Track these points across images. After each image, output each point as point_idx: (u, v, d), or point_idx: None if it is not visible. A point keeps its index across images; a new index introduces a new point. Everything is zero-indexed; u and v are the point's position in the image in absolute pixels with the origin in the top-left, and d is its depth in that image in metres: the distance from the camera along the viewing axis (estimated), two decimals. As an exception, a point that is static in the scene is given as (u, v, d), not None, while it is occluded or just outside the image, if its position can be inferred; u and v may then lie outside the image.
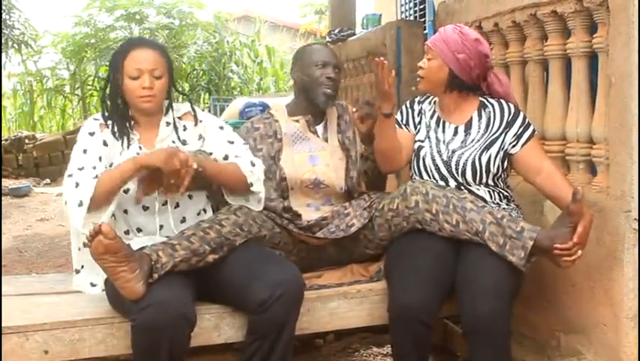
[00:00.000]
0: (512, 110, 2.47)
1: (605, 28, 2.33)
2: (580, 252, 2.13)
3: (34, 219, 7.04)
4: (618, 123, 2.24)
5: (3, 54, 10.93)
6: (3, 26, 9.92)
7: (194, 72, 14.15)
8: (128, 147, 2.28)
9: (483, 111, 2.48)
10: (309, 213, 2.51)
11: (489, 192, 2.42)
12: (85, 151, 2.22)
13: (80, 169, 2.16)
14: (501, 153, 2.42)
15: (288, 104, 2.67)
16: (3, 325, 2.06)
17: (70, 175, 2.16)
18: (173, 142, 2.34)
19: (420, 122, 2.55)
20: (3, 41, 10.28)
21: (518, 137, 2.42)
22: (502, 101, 2.50)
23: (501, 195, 2.45)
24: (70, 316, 2.16)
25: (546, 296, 2.58)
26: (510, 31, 2.87)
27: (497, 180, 2.44)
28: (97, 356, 2.17)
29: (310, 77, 2.53)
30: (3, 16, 9.85)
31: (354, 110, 2.55)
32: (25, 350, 2.08)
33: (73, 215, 2.10)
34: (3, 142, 10.43)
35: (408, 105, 2.62)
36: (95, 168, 2.18)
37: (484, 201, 2.37)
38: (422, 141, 2.50)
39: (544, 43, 2.68)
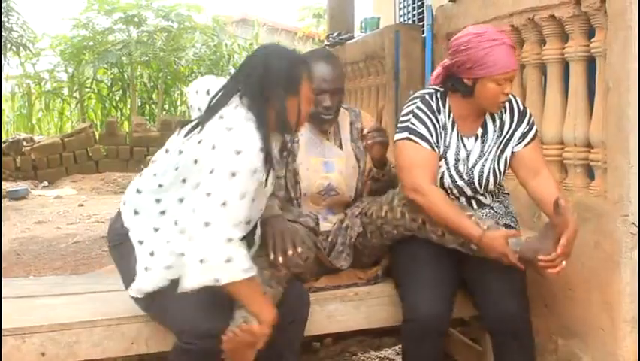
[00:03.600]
0: (521, 106, 2.37)
1: (602, 32, 2.33)
2: (564, 263, 2.09)
3: (32, 222, 7.02)
4: (616, 128, 2.24)
5: (1, 56, 10.91)
6: (1, 29, 9.91)
7: (193, 75, 14.13)
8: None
9: (495, 113, 2.35)
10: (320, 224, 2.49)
11: (490, 193, 2.41)
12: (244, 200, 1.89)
13: (235, 239, 1.87)
14: (510, 152, 2.35)
15: None
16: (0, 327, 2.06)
17: (229, 240, 1.84)
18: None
19: (443, 139, 2.35)
20: (2, 44, 10.26)
21: (524, 135, 2.33)
22: (510, 96, 2.35)
23: (500, 190, 2.45)
24: (68, 318, 2.15)
25: (544, 301, 2.58)
26: (508, 36, 2.86)
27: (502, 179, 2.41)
28: (94, 359, 2.17)
29: None
30: (1, 18, 9.84)
31: (364, 132, 2.41)
32: (22, 352, 2.07)
33: (200, 276, 1.85)
34: (1, 145, 10.42)
35: (432, 116, 2.32)
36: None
37: (483, 204, 2.37)
38: (439, 160, 2.33)
39: (542, 48, 2.69)
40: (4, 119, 15.16)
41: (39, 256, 5.37)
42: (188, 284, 1.85)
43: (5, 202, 8.18)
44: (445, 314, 2.23)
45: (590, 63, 2.49)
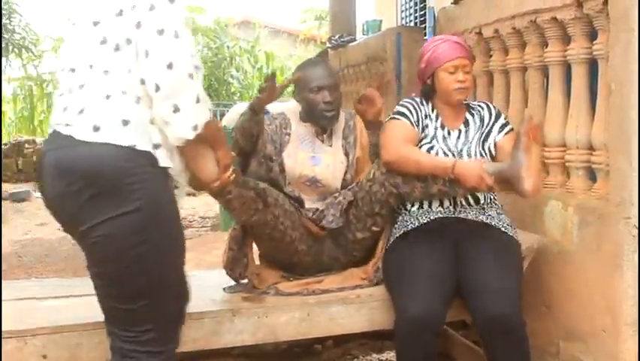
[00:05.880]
0: (494, 107, 2.60)
1: (605, 34, 2.34)
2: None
3: (34, 224, 7.03)
4: (618, 130, 2.24)
5: (3, 58, 10.94)
6: (4, 31, 9.94)
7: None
8: None
9: (474, 111, 2.55)
10: (307, 201, 2.55)
11: (483, 194, 2.44)
12: None
13: None
14: (493, 142, 2.48)
15: (300, 110, 2.69)
16: (2, 329, 2.06)
17: (191, 76, 1.75)
18: None
19: (427, 126, 2.51)
20: (3, 46, 10.29)
21: (503, 127, 2.51)
22: (483, 101, 2.68)
23: (493, 197, 2.49)
24: (69, 320, 2.15)
25: (545, 303, 2.58)
26: (510, 38, 2.87)
27: None
28: (95, 361, 2.17)
29: (308, 103, 2.57)
30: (4, 20, 9.86)
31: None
32: (23, 354, 2.07)
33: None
34: (3, 146, 10.44)
35: (416, 105, 2.54)
36: None
37: (478, 200, 2.43)
38: (430, 142, 2.48)
39: (545, 50, 2.69)
40: (6, 121, 15.19)
41: (41, 259, 5.37)
42: (177, 137, 1.75)
43: (7, 204, 8.18)
44: (437, 313, 2.20)
45: (593, 64, 2.49)
